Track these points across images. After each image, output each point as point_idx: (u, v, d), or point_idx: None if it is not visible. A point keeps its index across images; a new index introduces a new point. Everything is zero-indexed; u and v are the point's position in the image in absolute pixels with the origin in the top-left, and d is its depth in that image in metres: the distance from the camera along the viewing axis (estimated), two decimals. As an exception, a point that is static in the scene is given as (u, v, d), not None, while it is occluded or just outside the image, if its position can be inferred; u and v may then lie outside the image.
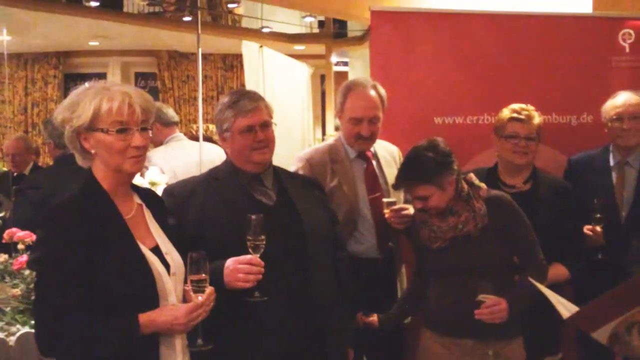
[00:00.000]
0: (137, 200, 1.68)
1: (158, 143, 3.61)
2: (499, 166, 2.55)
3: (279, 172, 2.10)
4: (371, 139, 2.49)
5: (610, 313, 1.09)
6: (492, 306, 1.97)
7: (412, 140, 2.81)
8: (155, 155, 3.41)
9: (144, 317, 1.51)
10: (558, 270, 2.39)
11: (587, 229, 2.48)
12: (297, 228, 1.96)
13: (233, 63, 9.12)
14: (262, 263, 1.80)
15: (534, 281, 1.56)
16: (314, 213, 2.04)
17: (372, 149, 2.57)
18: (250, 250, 1.80)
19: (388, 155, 2.63)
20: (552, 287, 2.33)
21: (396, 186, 2.23)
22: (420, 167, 2.07)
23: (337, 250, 2.14)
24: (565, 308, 1.30)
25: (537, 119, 2.44)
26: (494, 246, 2.10)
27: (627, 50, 3.08)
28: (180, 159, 3.42)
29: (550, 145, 2.91)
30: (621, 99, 2.70)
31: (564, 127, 3.09)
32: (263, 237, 1.80)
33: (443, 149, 2.11)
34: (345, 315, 2.10)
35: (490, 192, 2.19)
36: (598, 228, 2.48)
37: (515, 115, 2.44)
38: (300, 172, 2.44)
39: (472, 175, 2.20)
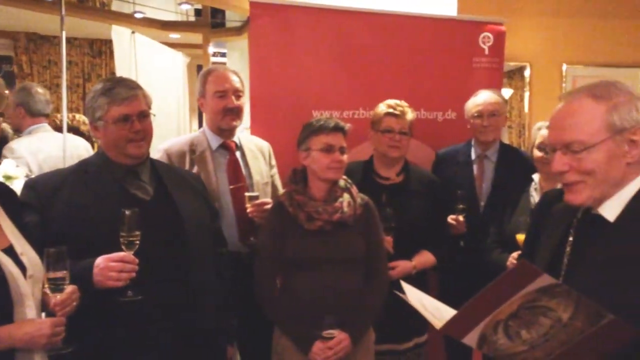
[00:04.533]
0: (-13, 196, 1.51)
1: (18, 130, 3.23)
2: (374, 159, 2.65)
3: (157, 166, 2.01)
4: (238, 113, 2.52)
5: (477, 317, 1.13)
6: (338, 352, 2.06)
7: (290, 133, 2.85)
8: (20, 146, 3.05)
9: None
10: (426, 257, 2.54)
11: (450, 218, 2.65)
12: (175, 223, 1.89)
13: (102, 49, 8.55)
14: (136, 260, 1.71)
15: (408, 287, 1.58)
16: (194, 208, 1.98)
17: (237, 140, 2.58)
18: (123, 247, 1.71)
19: (256, 149, 2.65)
20: (420, 273, 2.49)
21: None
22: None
23: (217, 246, 2.10)
24: (434, 316, 1.32)
25: (410, 114, 2.57)
26: (361, 239, 2.20)
27: (487, 52, 3.33)
28: (47, 152, 3.09)
29: (419, 140, 3.08)
30: (482, 98, 2.92)
31: (431, 123, 3.28)
32: (138, 233, 1.71)
33: None
34: (225, 313, 2.06)
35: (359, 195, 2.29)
36: (460, 217, 2.65)
37: (390, 110, 2.54)
38: None
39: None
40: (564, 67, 4.55)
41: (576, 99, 1.29)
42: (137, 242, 1.71)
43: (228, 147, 2.55)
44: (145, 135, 1.90)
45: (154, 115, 1.96)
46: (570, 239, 1.36)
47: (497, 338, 1.14)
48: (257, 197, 2.43)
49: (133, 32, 4.59)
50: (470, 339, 1.15)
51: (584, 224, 1.35)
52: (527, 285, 1.05)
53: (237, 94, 2.52)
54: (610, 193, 1.28)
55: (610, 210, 1.28)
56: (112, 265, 1.69)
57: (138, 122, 1.86)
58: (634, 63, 4.58)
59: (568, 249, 1.35)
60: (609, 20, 4.57)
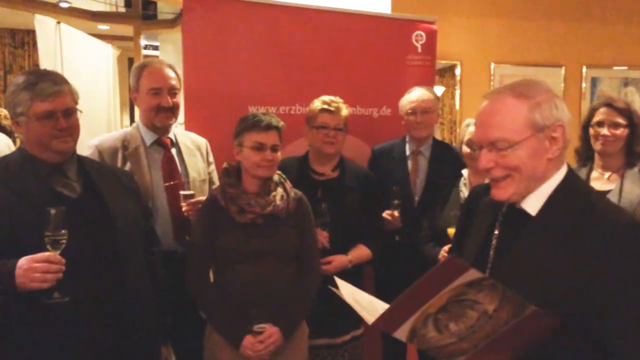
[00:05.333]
0: None
1: None
2: (309, 155, 2.65)
3: (85, 163, 1.93)
4: (174, 111, 2.46)
5: (407, 312, 1.14)
6: (268, 345, 2.06)
7: (225, 128, 2.81)
8: None
9: None
10: (362, 251, 2.57)
11: (386, 213, 2.70)
12: (105, 222, 1.82)
13: (24, 39, 8.15)
14: (63, 260, 1.64)
15: (341, 282, 1.59)
16: (125, 205, 1.92)
17: (172, 136, 2.52)
18: (48, 246, 1.63)
19: (192, 145, 2.59)
20: (356, 267, 2.53)
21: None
22: None
23: (150, 245, 2.05)
24: (367, 311, 1.34)
25: (345, 110, 2.59)
26: (294, 233, 2.20)
27: (419, 50, 3.41)
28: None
29: (355, 135, 3.11)
30: (415, 95, 2.98)
31: (367, 119, 3.32)
32: (64, 232, 1.64)
33: None
34: (159, 313, 2.01)
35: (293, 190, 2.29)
36: (396, 213, 2.70)
37: (325, 106, 2.55)
38: None
39: None
40: (492, 65, 4.73)
41: (500, 98, 1.34)
42: (64, 241, 1.64)
43: (163, 144, 2.48)
44: (72, 132, 1.82)
45: (81, 112, 1.88)
46: (496, 232, 1.41)
47: (427, 331, 1.16)
48: (192, 196, 2.38)
49: (58, 23, 4.38)
50: (401, 333, 1.17)
51: (509, 218, 1.40)
52: (455, 279, 1.08)
53: (173, 91, 2.45)
54: (533, 188, 1.34)
55: (533, 204, 1.34)
56: (36, 266, 1.61)
57: (63, 119, 1.78)
58: (555, 62, 4.82)
59: (494, 242, 1.40)
60: (533, 21, 4.78)
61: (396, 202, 2.69)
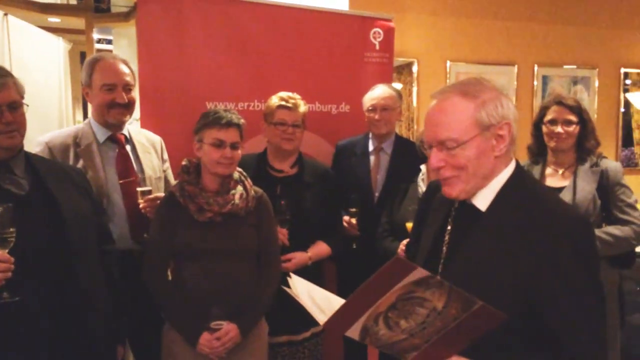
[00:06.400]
0: None
1: None
2: (268, 151, 2.64)
3: (33, 159, 1.86)
4: (129, 107, 2.41)
5: (358, 312, 1.15)
6: (225, 343, 2.06)
7: (182, 125, 2.77)
8: None
9: None
10: (322, 248, 2.57)
11: (344, 220, 2.71)
12: (55, 219, 1.77)
13: (-31, 31, 7.79)
14: (11, 259, 1.59)
15: (296, 279, 1.59)
16: (76, 203, 1.86)
17: (126, 133, 2.47)
18: (-5, 245, 1.58)
19: (147, 142, 2.55)
20: (316, 264, 2.53)
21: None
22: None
23: (103, 243, 2.01)
24: (322, 309, 1.33)
25: (303, 107, 2.58)
26: (253, 231, 2.19)
27: (377, 47, 3.43)
28: None
29: (314, 132, 3.11)
30: (376, 92, 3.01)
31: (325, 116, 3.33)
32: (12, 230, 1.59)
33: None
34: (114, 312, 1.97)
35: (254, 187, 2.27)
36: (354, 221, 2.72)
37: (283, 103, 2.54)
38: None
39: None
40: (448, 63, 4.81)
41: (447, 97, 1.35)
42: (12, 239, 1.59)
43: (117, 140, 2.42)
44: (18, 127, 1.76)
45: (27, 106, 1.81)
46: (449, 227, 1.43)
47: (379, 329, 1.17)
48: (149, 192, 2.34)
49: (5, 14, 4.21)
50: (353, 332, 1.18)
51: (461, 214, 1.42)
52: (402, 279, 1.09)
53: (128, 87, 2.39)
54: (482, 185, 1.36)
55: (482, 200, 1.36)
56: (-17, 266, 1.55)
57: (9, 113, 1.72)
58: (509, 61, 4.94)
59: (447, 237, 1.42)
60: (488, 21, 4.89)
61: (353, 210, 2.70)
